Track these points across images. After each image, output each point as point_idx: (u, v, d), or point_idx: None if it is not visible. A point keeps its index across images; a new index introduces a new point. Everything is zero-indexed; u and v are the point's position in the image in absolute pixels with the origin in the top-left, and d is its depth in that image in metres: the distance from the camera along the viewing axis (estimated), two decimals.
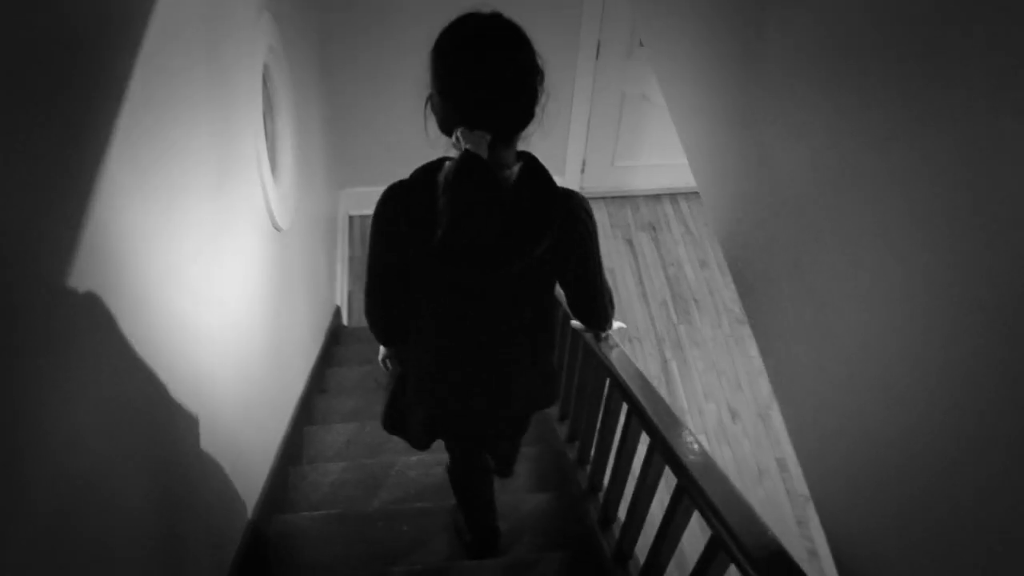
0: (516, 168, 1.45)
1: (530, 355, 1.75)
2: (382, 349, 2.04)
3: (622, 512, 2.24)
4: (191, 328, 1.84)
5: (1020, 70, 0.84)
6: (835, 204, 1.29)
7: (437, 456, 2.82)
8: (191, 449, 1.86)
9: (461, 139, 1.36)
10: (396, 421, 2.02)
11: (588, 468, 2.55)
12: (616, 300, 4.83)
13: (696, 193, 5.50)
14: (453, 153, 1.43)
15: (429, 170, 1.48)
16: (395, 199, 1.50)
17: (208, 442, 1.98)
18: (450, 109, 1.40)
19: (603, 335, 2.14)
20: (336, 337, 4.13)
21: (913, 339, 1.08)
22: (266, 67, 2.83)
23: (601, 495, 2.39)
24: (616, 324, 2.05)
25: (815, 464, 1.44)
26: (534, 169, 1.47)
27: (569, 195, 1.51)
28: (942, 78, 0.96)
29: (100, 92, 1.32)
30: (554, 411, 2.94)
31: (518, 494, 2.66)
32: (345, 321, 4.57)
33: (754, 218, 1.68)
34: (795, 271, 1.45)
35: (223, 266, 2.11)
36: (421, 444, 2.03)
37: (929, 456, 1.08)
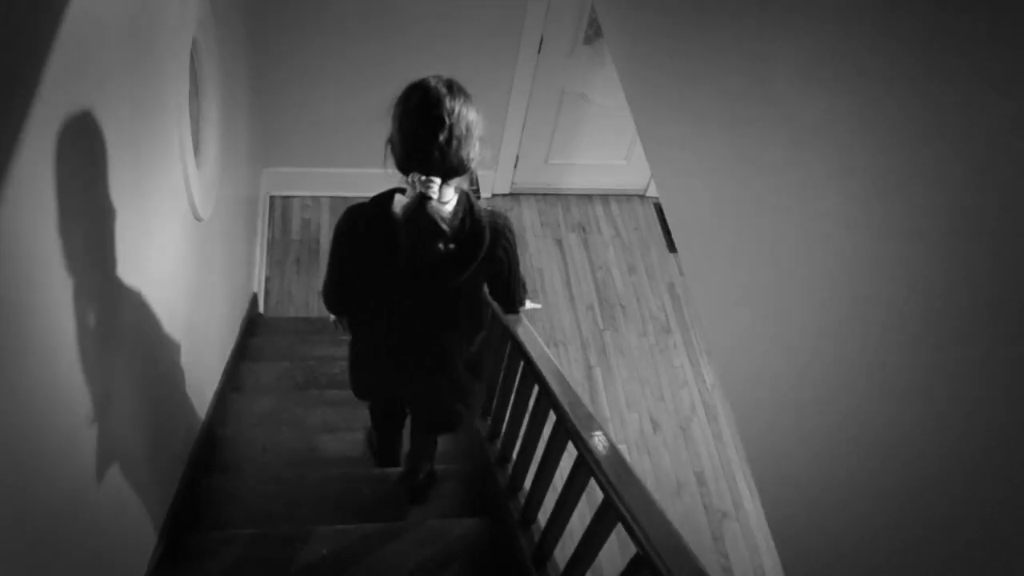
0: (454, 201, 1.80)
1: (464, 335, 2.15)
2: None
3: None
4: (98, 330, 1.65)
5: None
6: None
7: (360, 471, 2.68)
8: (91, 452, 1.68)
9: (416, 183, 1.69)
10: (361, 388, 2.37)
11: (521, 497, 2.46)
12: (543, 301, 4.75)
13: (627, 196, 5.45)
14: (402, 184, 1.77)
15: (383, 200, 1.82)
16: (356, 219, 1.88)
17: (111, 448, 1.80)
18: (410, 159, 1.71)
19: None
20: (252, 328, 3.91)
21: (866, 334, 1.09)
22: (195, 43, 2.61)
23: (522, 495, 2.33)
24: (529, 304, 2.35)
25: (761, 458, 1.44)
26: (468, 203, 1.85)
27: (494, 216, 1.90)
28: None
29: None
30: (484, 430, 2.83)
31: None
32: (261, 309, 4.35)
33: (712, 217, 1.70)
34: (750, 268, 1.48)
35: (136, 261, 1.92)
36: (381, 398, 2.48)
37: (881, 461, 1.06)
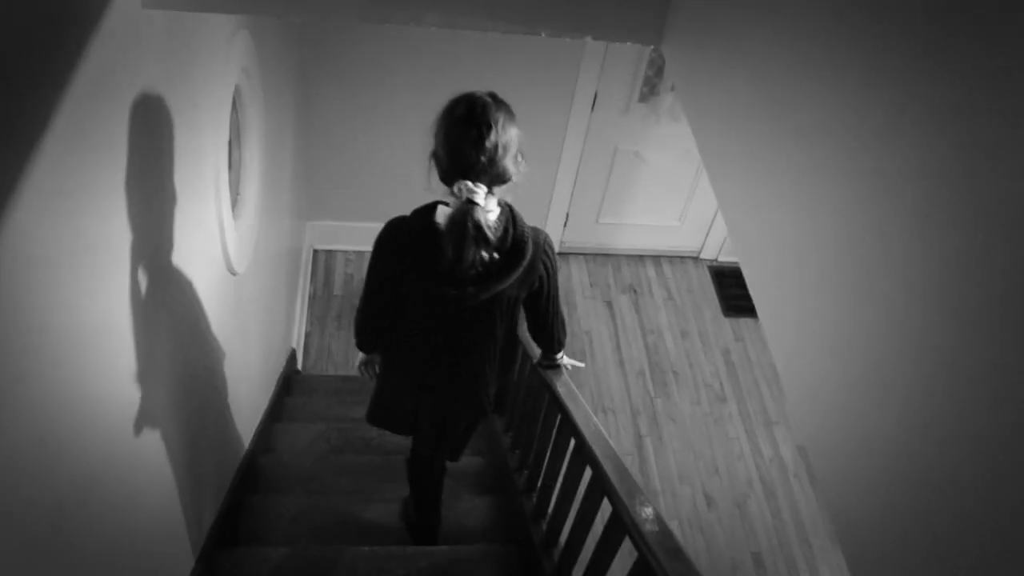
0: (497, 211, 1.82)
1: (497, 364, 2.13)
2: (360, 355, 2.31)
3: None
4: (124, 389, 1.50)
5: None
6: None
7: (395, 550, 2.48)
8: (114, 523, 1.52)
9: (462, 191, 1.71)
10: (379, 417, 2.36)
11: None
12: (591, 364, 4.55)
13: (680, 258, 5.26)
14: (448, 199, 1.77)
15: (425, 210, 1.83)
16: (398, 231, 1.87)
17: (129, 519, 1.64)
18: (454, 167, 1.74)
19: (557, 359, 2.36)
20: (288, 386, 3.77)
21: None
22: (238, 90, 2.52)
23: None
24: (569, 361, 2.37)
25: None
26: (511, 212, 1.86)
27: (537, 232, 1.91)
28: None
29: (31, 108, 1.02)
30: (528, 506, 2.61)
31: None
32: (300, 366, 4.21)
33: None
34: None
35: (165, 312, 1.78)
36: (404, 430, 2.42)
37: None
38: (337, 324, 4.50)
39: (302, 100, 4.05)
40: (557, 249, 5.10)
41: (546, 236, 1.93)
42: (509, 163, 1.75)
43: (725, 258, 5.27)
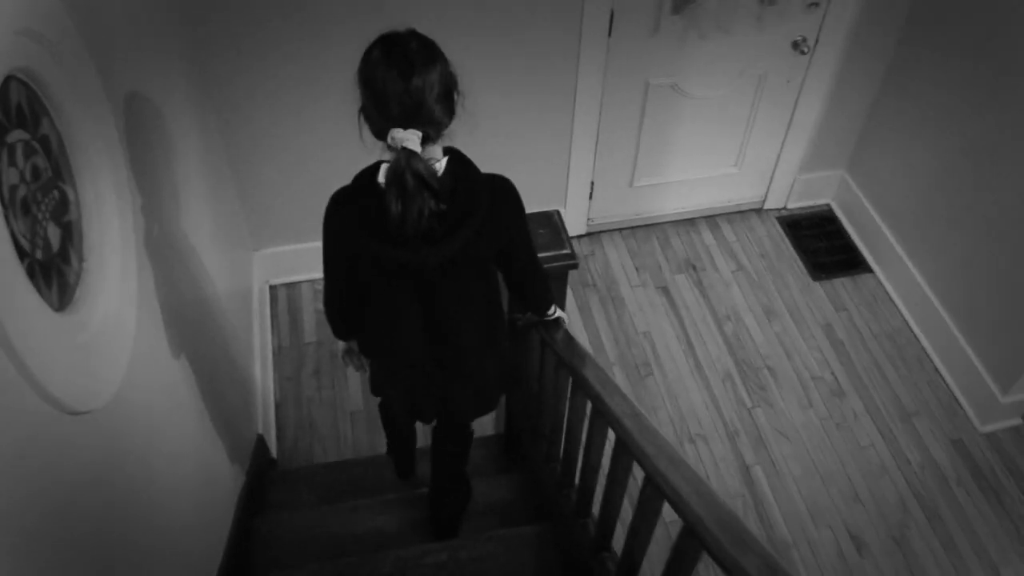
0: (444, 160, 1.64)
1: (485, 334, 1.97)
2: (341, 344, 2.26)
3: None
4: None
5: None
6: None
7: None
8: None
9: (395, 139, 1.52)
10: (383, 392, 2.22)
11: None
12: (662, 375, 3.41)
13: (740, 212, 4.10)
14: (386, 156, 1.58)
15: (367, 173, 1.66)
16: (343, 201, 1.72)
17: None
18: (383, 115, 1.54)
19: (550, 315, 2.16)
20: (260, 492, 2.63)
21: None
22: (32, 77, 1.36)
23: None
24: (559, 312, 2.17)
25: None
26: (460, 159, 1.68)
27: (493, 177, 1.74)
28: None
29: None
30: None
31: None
32: (274, 451, 3.06)
33: None
34: None
35: None
36: (407, 413, 2.22)
37: None
38: (317, 382, 3.35)
39: (212, 106, 2.87)
40: (583, 230, 3.94)
41: (505, 179, 1.76)
42: (437, 106, 1.54)
43: (796, 204, 4.11)
